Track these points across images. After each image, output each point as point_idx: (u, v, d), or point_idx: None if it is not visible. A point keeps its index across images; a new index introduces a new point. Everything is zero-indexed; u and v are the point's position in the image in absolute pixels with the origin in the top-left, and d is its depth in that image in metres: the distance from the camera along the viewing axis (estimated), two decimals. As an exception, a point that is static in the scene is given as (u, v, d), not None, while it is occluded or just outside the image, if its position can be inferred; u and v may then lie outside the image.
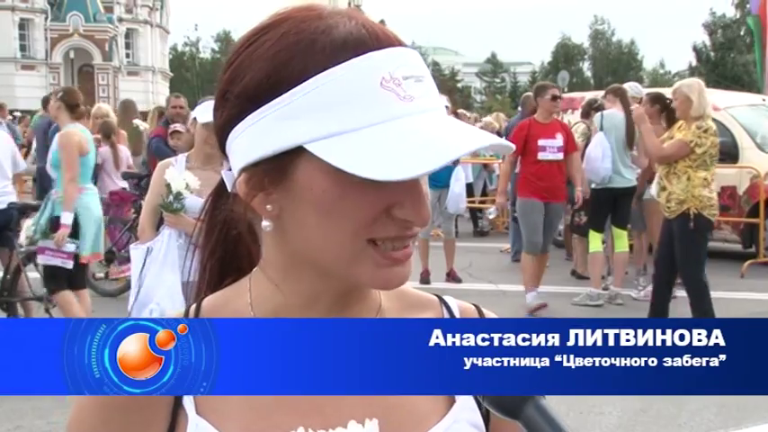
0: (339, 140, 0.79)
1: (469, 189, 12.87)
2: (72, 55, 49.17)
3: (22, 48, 48.92)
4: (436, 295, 1.00)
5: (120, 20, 52.50)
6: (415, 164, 0.77)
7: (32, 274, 6.59)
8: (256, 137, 0.83)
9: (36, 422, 4.89)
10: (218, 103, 0.88)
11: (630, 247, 8.31)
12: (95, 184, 8.99)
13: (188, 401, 0.88)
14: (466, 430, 0.92)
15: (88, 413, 0.88)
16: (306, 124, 0.80)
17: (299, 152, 0.81)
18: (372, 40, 0.82)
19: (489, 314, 0.99)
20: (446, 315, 0.97)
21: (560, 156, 7.30)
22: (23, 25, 48.77)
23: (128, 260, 8.25)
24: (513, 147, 0.84)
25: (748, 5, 12.04)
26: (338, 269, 0.84)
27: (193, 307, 0.94)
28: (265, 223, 0.86)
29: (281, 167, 0.83)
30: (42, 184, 10.28)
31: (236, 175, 0.87)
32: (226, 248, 0.97)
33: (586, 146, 7.70)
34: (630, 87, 8.31)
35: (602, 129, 7.52)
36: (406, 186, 0.81)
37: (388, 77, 0.80)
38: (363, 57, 0.80)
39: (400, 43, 0.84)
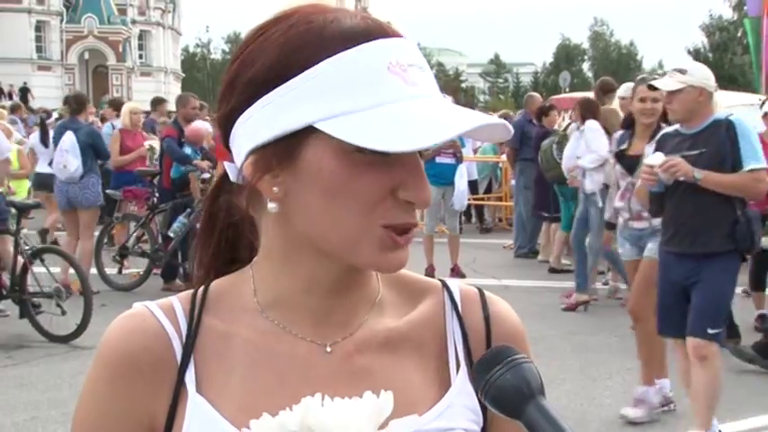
0: (348, 119, 0.81)
1: (473, 186, 12.99)
2: (87, 56, 49.28)
3: (39, 49, 49.04)
4: (440, 280, 1.01)
5: (134, 22, 52.57)
6: (420, 137, 0.79)
7: (40, 270, 6.64)
8: (266, 119, 0.85)
9: (51, 413, 4.92)
10: (226, 93, 0.89)
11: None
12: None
13: (189, 379, 0.90)
14: (461, 414, 0.91)
15: (99, 384, 0.92)
16: (316, 105, 0.82)
17: (308, 133, 0.83)
18: (378, 30, 0.86)
19: (491, 297, 1.01)
20: (447, 300, 0.98)
21: None
22: (40, 27, 48.92)
23: (141, 255, 8.40)
24: (512, 130, 0.88)
25: (745, 7, 12.02)
26: (341, 251, 0.86)
27: (201, 289, 0.95)
28: (271, 205, 0.86)
29: (289, 148, 0.84)
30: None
31: (243, 158, 0.88)
32: (226, 239, 0.98)
33: None
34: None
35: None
36: (410, 168, 0.84)
37: (394, 62, 0.83)
38: (371, 43, 0.84)
39: (402, 37, 0.88)
